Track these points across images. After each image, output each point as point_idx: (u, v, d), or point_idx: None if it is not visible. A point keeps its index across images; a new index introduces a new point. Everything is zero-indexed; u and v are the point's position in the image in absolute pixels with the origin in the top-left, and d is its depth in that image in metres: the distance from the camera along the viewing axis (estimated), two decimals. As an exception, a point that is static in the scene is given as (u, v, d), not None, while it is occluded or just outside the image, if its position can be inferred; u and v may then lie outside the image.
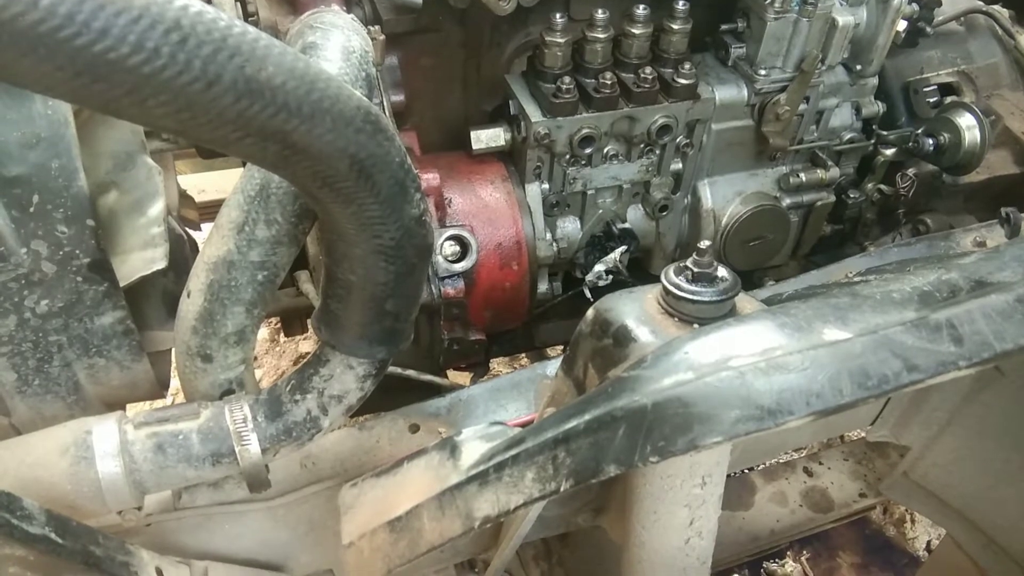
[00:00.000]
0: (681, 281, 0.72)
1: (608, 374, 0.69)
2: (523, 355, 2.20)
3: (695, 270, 0.72)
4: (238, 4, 1.18)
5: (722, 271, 0.73)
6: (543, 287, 1.32)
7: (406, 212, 0.76)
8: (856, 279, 0.85)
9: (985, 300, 0.58)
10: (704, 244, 0.73)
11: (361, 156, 0.69)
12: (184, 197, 1.47)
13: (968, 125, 1.37)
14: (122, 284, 0.96)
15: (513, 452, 0.62)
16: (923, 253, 1.17)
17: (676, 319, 0.73)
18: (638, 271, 1.41)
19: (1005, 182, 1.59)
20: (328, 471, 1.04)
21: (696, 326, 0.72)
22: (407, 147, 1.23)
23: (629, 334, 0.72)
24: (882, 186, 1.44)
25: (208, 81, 0.56)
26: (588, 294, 1.32)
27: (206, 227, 1.30)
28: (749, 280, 1.46)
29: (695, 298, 0.71)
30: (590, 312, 0.78)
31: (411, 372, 1.18)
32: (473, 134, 1.24)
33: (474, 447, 0.72)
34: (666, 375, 0.57)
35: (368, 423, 1.08)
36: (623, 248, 1.30)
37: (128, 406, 1.08)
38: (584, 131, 1.19)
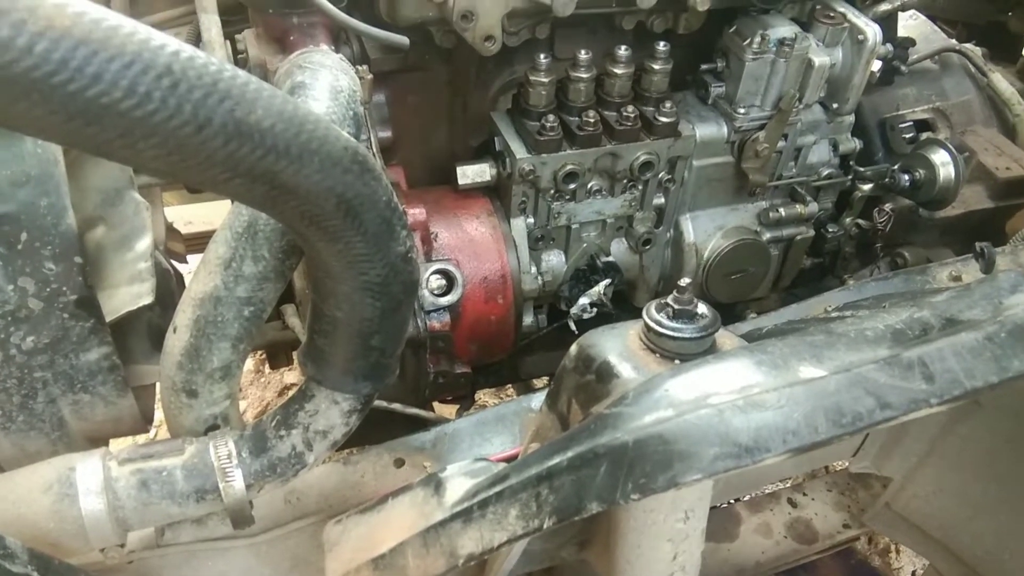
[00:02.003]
0: (662, 318, 0.74)
1: (591, 410, 0.70)
2: (509, 386, 2.20)
3: (676, 307, 0.73)
4: (228, 43, 1.20)
5: (702, 308, 0.75)
6: (528, 320, 1.33)
7: (392, 249, 0.77)
8: (833, 315, 0.87)
9: (956, 338, 0.60)
10: (684, 281, 0.74)
11: (348, 195, 0.70)
12: (171, 230, 1.48)
13: (943, 161, 1.41)
14: (108, 319, 0.97)
15: (497, 489, 0.63)
16: (900, 287, 1.19)
17: (658, 355, 0.74)
18: (622, 303, 1.43)
19: (980, 216, 1.62)
20: (313, 506, 1.03)
21: (677, 362, 0.74)
22: (394, 182, 1.25)
23: (612, 370, 0.73)
24: (860, 220, 1.47)
25: (198, 124, 0.57)
26: (573, 327, 1.33)
27: (193, 259, 1.30)
28: (731, 312, 1.48)
29: (676, 335, 0.72)
30: (573, 348, 0.79)
31: (396, 405, 1.18)
32: (459, 170, 1.25)
33: (458, 483, 0.73)
34: (647, 412, 0.58)
35: (353, 458, 1.08)
36: (607, 281, 1.32)
37: (112, 441, 1.08)
38: (568, 167, 1.21)
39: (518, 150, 1.20)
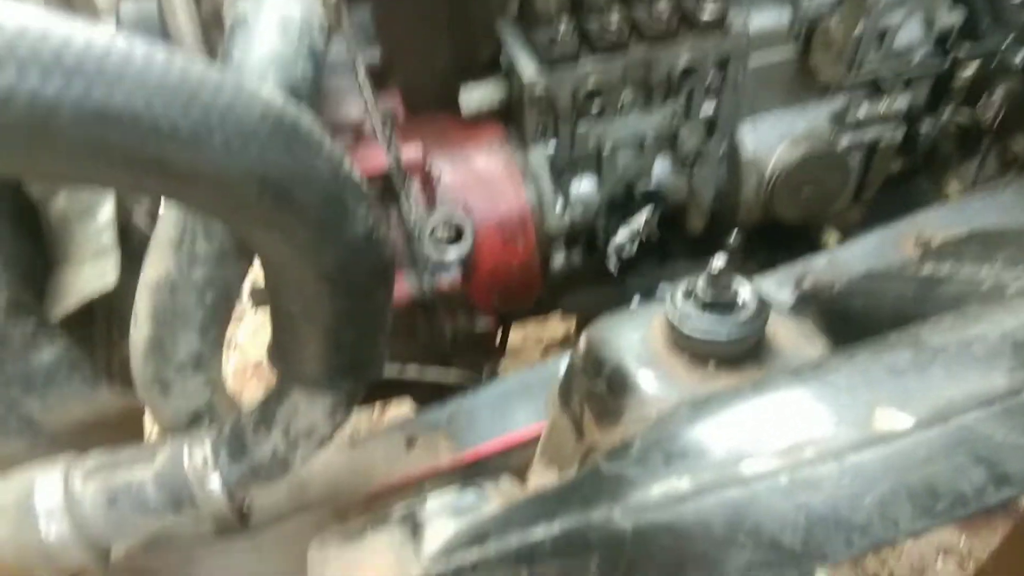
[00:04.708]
0: (690, 310, 0.56)
1: (593, 452, 0.54)
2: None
3: (707, 300, 0.55)
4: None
5: (744, 293, 0.57)
6: (559, 260, 1.16)
7: (348, 231, 0.62)
8: (926, 272, 0.67)
9: (1112, 358, 0.41)
10: (719, 260, 0.56)
11: (273, 176, 0.54)
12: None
13: (1070, 30, 1.12)
14: (75, 306, 0.87)
15: (473, 559, 0.49)
16: (1012, 203, 0.96)
17: (687, 355, 0.58)
18: (673, 230, 1.23)
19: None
20: (318, 496, 0.93)
21: (712, 365, 0.57)
22: (390, 110, 1.07)
23: (626, 380, 0.57)
24: (961, 116, 1.21)
25: (43, 115, 0.43)
26: (611, 267, 1.15)
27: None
28: (804, 234, 1.26)
29: (707, 337, 0.55)
30: (582, 341, 0.63)
31: (412, 370, 1.06)
32: (463, 96, 1.06)
33: (438, 527, 0.59)
34: (655, 479, 0.42)
35: (363, 439, 0.96)
36: (648, 210, 1.12)
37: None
38: (589, 84, 1.00)
39: (526, 67, 0.99)
